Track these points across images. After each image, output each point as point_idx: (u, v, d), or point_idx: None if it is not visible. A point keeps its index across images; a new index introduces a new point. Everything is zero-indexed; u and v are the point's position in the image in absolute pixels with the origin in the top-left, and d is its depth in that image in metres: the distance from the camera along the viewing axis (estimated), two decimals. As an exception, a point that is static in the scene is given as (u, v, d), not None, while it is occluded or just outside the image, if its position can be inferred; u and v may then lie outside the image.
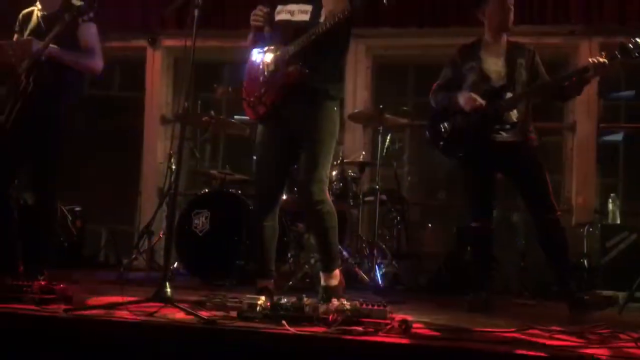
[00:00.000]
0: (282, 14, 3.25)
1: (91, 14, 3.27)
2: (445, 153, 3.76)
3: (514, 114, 3.57)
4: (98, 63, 3.56)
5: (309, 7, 3.20)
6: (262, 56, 3.27)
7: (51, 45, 3.32)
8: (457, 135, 3.62)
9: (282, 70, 3.13)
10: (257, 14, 3.25)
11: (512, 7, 3.63)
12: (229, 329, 2.45)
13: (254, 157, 3.57)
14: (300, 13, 3.21)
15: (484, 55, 3.65)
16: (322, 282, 3.24)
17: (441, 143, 3.71)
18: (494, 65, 3.62)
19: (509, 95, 3.54)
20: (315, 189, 3.13)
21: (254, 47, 3.36)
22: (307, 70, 3.08)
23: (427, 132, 3.80)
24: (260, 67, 3.25)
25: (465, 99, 3.55)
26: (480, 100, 3.51)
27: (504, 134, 3.56)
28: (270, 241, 3.32)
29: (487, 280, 3.71)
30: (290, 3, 3.24)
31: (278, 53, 3.17)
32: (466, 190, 3.78)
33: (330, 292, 3.17)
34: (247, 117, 3.45)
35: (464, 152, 3.64)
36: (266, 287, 3.26)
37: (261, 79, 3.23)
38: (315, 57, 3.11)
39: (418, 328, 2.64)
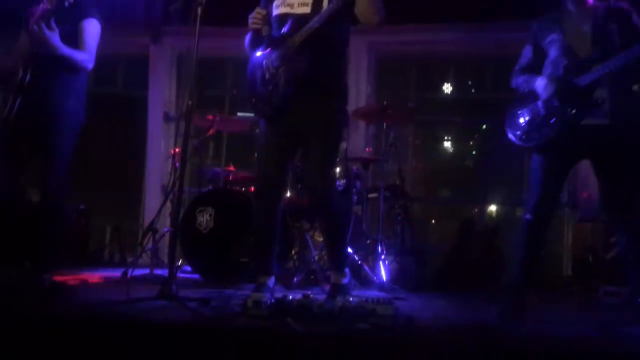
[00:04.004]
0: (282, 7, 3.23)
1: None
2: (522, 144, 3.19)
3: (600, 93, 2.96)
4: (89, 62, 3.52)
5: (309, 0, 3.18)
6: (264, 54, 3.25)
7: (51, 32, 3.31)
8: (536, 125, 3.10)
9: (289, 63, 3.11)
10: (257, 17, 3.25)
11: None
12: (234, 327, 2.46)
13: (256, 154, 3.54)
14: (300, 6, 3.19)
15: (567, 24, 3.10)
16: (333, 280, 3.26)
17: (518, 133, 3.19)
18: (579, 35, 3.05)
19: (596, 68, 2.93)
20: (329, 187, 3.16)
21: (253, 47, 3.34)
22: (310, 60, 3.06)
23: (505, 122, 3.25)
24: (265, 64, 3.23)
25: (541, 86, 3.08)
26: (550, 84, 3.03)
27: (589, 116, 2.97)
28: (272, 238, 3.31)
29: (525, 282, 3.16)
30: None
31: (281, 48, 3.15)
32: (533, 176, 3.17)
33: (340, 290, 3.19)
34: (251, 114, 3.43)
35: (543, 142, 3.09)
36: (266, 283, 3.27)
37: (267, 76, 3.21)
38: (320, 48, 3.09)
39: (424, 324, 2.64)
